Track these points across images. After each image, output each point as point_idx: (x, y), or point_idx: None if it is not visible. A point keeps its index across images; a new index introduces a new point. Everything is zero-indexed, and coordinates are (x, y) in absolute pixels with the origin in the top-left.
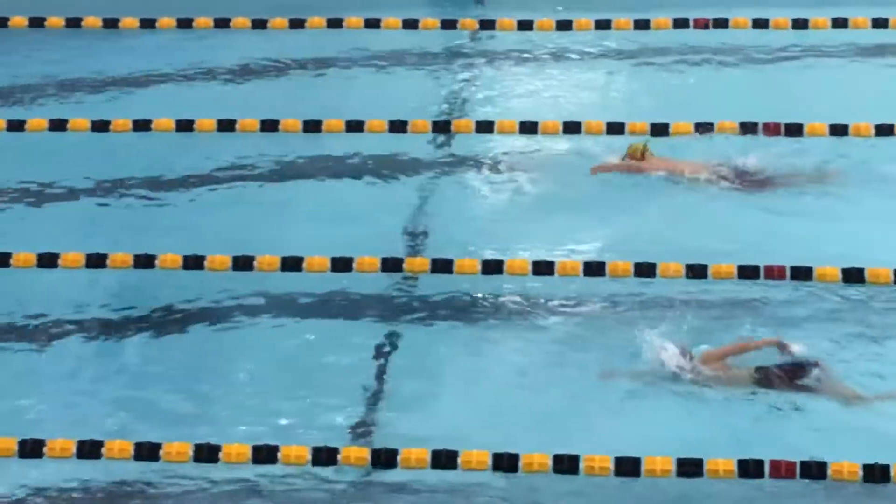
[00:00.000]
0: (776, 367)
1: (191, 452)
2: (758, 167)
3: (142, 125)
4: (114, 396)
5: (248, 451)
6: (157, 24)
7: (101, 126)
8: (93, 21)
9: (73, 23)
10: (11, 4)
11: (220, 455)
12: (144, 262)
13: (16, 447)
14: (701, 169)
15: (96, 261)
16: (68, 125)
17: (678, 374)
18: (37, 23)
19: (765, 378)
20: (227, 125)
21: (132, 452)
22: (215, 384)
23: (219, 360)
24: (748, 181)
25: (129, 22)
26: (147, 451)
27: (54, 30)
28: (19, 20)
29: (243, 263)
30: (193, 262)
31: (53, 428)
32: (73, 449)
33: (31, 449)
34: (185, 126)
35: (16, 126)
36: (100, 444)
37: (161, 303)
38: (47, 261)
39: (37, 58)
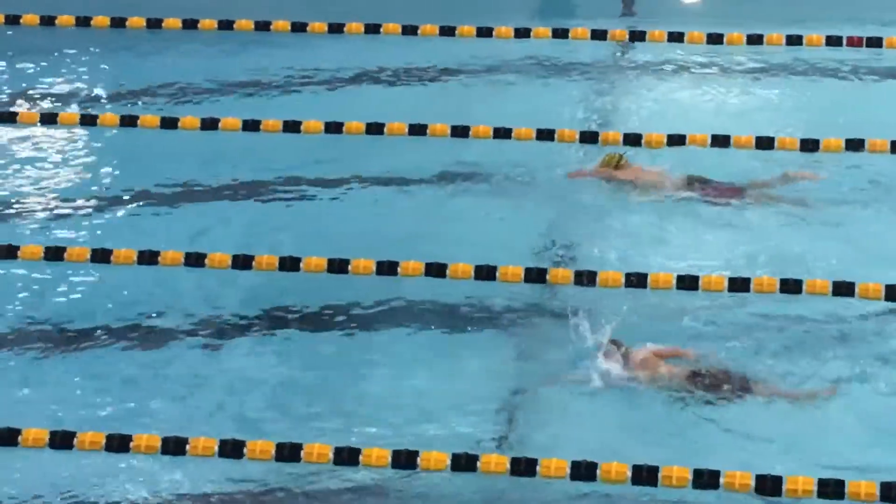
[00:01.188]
0: (704, 372)
1: (331, 455)
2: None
3: (291, 126)
4: (260, 397)
5: (388, 456)
6: (307, 28)
7: (252, 126)
8: (245, 24)
9: (226, 25)
10: (165, 6)
11: (360, 458)
12: (290, 265)
13: (159, 444)
14: (668, 179)
15: (242, 262)
16: (220, 125)
17: (613, 372)
18: (190, 24)
19: (694, 381)
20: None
21: (273, 453)
22: (358, 386)
23: (362, 363)
24: (716, 191)
25: (281, 25)
26: (288, 452)
27: (207, 31)
28: (173, 21)
29: (388, 268)
30: (338, 266)
31: (194, 427)
32: (216, 447)
33: (174, 447)
34: (334, 128)
35: (168, 124)
36: (242, 444)
37: (304, 305)
38: (194, 260)
39: (189, 58)
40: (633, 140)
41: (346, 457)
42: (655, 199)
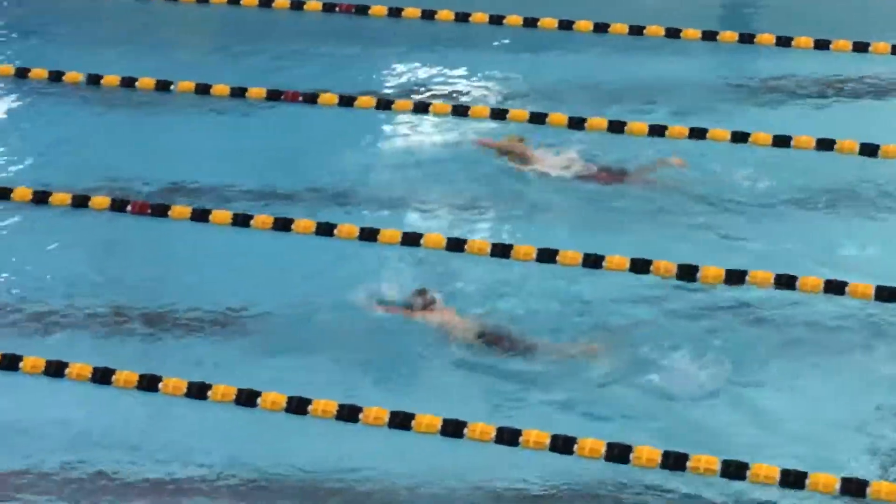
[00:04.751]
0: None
1: (659, 459)
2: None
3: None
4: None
5: (776, 474)
6: (717, 37)
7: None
8: (620, 28)
9: (601, 27)
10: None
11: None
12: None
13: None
14: (562, 162)
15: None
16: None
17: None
18: (566, 25)
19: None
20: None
21: (603, 452)
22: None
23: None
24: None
25: (654, 30)
26: (618, 453)
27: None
28: (550, 21)
29: (735, 278)
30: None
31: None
32: (547, 442)
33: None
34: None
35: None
36: (573, 441)
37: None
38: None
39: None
40: None
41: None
42: None
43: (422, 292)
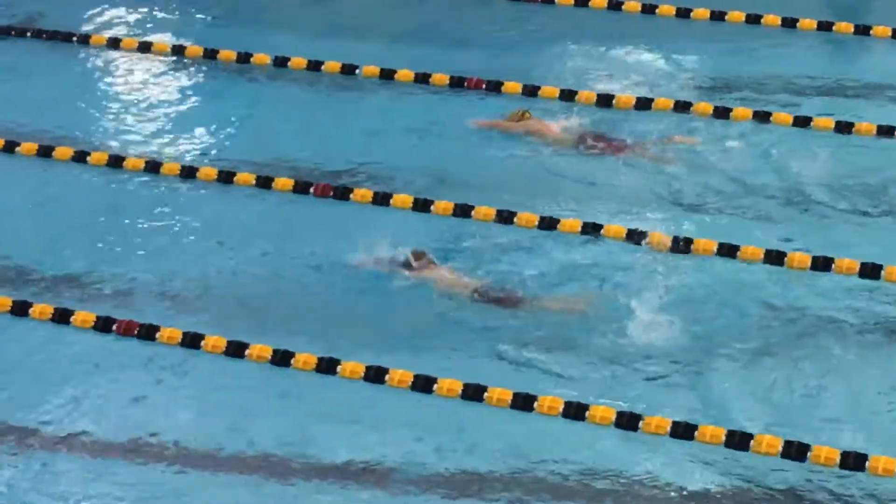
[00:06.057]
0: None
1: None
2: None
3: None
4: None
5: None
6: None
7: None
8: (846, 27)
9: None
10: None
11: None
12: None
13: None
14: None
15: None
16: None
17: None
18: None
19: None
20: None
21: (780, 449)
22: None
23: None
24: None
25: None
26: (796, 451)
27: None
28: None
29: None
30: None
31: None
32: (779, 446)
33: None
34: None
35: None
36: (749, 437)
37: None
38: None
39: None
40: None
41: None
42: None
43: (418, 254)
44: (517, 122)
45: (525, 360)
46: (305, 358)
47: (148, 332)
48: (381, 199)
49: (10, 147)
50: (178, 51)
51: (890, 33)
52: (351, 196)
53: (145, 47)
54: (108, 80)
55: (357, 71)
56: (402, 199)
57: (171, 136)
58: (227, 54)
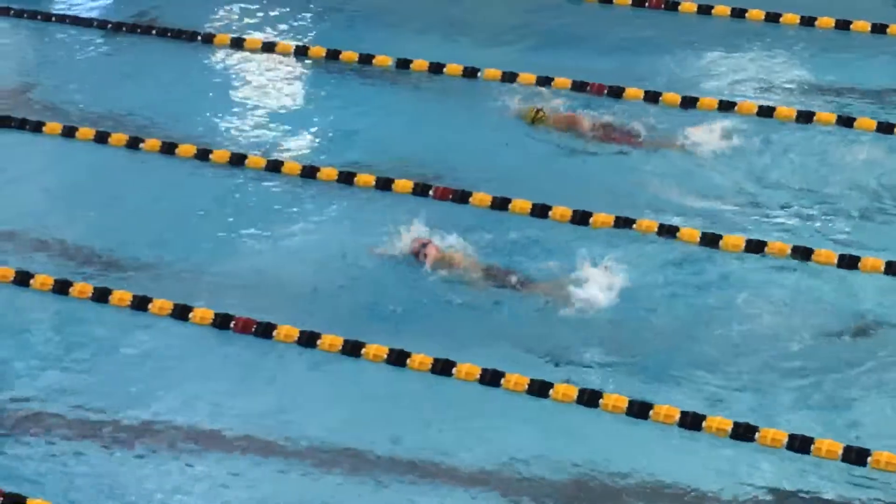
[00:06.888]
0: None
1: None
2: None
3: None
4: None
5: None
6: None
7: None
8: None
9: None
10: None
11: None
12: None
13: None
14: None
15: None
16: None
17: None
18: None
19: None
20: None
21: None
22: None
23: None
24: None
25: None
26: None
27: None
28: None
29: None
30: None
31: None
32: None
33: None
34: None
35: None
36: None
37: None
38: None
39: None
40: None
41: None
42: None
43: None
44: (531, 122)
45: None
46: (421, 359)
47: (265, 331)
48: (500, 204)
49: (135, 143)
50: (301, 52)
51: None
52: (470, 200)
53: (269, 47)
54: (231, 79)
55: (479, 74)
56: (521, 204)
57: (292, 136)
58: (349, 55)
